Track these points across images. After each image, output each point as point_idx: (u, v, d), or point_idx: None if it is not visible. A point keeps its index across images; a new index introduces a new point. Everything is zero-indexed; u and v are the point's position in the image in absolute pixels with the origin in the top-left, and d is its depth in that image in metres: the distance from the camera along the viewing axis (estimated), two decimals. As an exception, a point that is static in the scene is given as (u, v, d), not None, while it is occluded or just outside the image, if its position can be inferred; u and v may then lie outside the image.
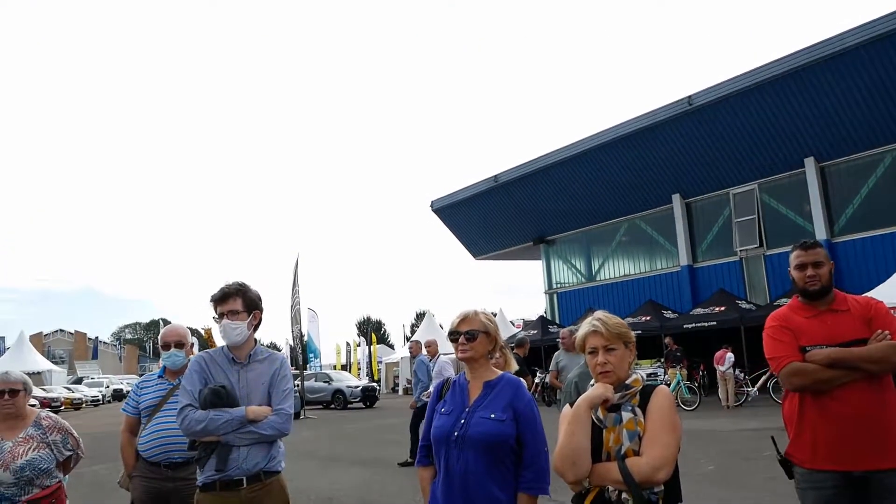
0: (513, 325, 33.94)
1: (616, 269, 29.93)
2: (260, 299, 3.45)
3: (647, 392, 2.37)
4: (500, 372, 2.78)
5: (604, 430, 2.34)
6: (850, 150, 21.16)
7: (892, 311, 3.24)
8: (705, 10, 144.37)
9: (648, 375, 20.69)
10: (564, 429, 2.35)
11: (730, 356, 17.92)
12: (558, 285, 32.51)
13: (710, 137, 23.36)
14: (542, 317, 30.07)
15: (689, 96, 23.05)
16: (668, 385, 18.09)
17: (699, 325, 21.35)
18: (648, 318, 23.21)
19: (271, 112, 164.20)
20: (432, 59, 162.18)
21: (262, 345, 3.65)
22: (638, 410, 2.33)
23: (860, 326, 3.08)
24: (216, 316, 3.34)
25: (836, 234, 21.45)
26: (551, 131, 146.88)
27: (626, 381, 2.39)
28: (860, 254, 20.35)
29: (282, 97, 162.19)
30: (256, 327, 3.40)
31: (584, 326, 2.49)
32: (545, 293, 33.10)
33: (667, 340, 19.40)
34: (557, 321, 29.36)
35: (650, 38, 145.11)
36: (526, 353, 10.27)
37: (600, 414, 2.36)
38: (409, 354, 10.08)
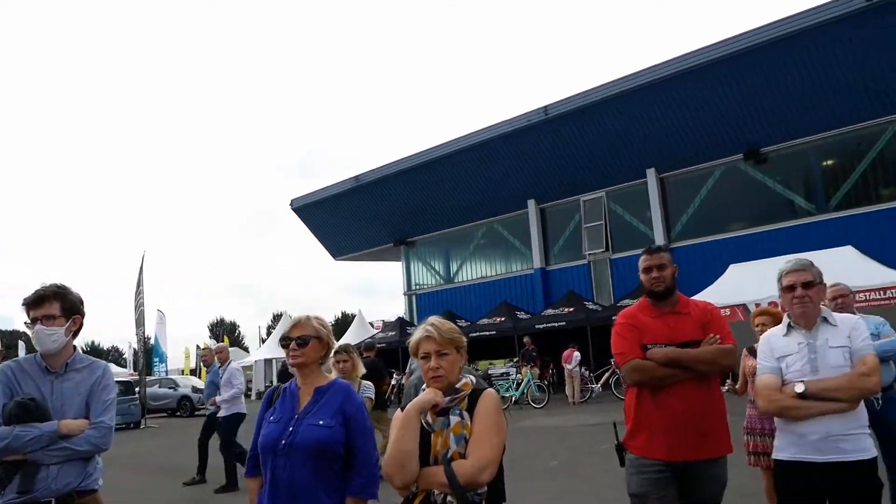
0: (372, 326, 33.79)
1: (473, 271, 30.70)
2: (81, 303, 3.23)
3: (475, 395, 2.43)
4: (332, 377, 2.77)
5: (432, 434, 2.37)
6: (687, 162, 23.09)
7: (725, 316, 3.57)
8: (567, 24, 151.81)
9: (501, 374, 21.40)
10: (393, 434, 2.37)
11: (577, 355, 18.87)
12: (417, 287, 32.86)
13: (563, 146, 24.54)
14: (400, 318, 30.25)
15: (546, 106, 24.10)
16: (520, 383, 18.80)
17: (550, 325, 22.36)
18: (503, 318, 24.02)
19: (114, 99, 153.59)
20: (299, 54, 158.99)
21: (83, 352, 3.39)
22: (465, 414, 2.38)
23: (697, 329, 3.37)
24: (28, 321, 3.09)
25: (673, 240, 23.25)
26: (412, 134, 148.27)
27: (456, 385, 2.43)
28: (692, 258, 22.11)
29: (130, 84, 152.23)
30: (76, 333, 3.17)
31: (418, 332, 2.51)
32: (404, 294, 33.33)
33: (525, 340, 20.14)
34: (416, 323, 29.58)
35: (510, 49, 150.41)
36: (376, 356, 10.28)
37: (429, 418, 2.39)
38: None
